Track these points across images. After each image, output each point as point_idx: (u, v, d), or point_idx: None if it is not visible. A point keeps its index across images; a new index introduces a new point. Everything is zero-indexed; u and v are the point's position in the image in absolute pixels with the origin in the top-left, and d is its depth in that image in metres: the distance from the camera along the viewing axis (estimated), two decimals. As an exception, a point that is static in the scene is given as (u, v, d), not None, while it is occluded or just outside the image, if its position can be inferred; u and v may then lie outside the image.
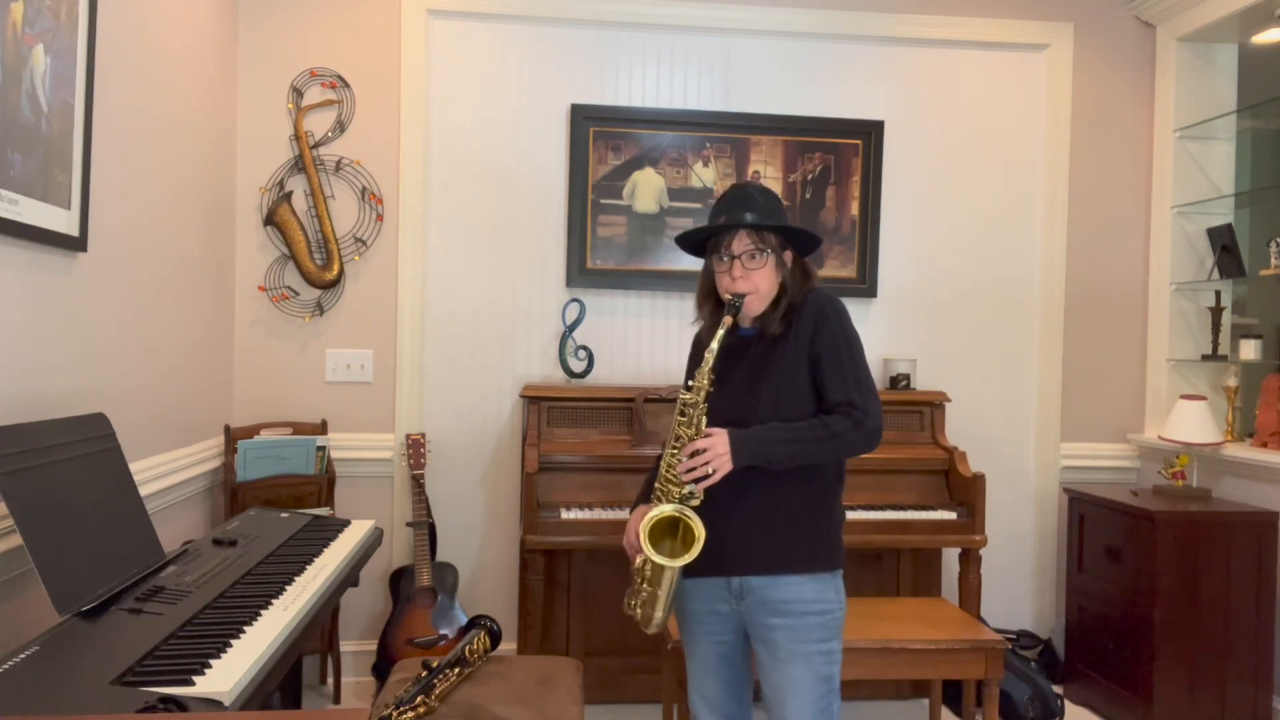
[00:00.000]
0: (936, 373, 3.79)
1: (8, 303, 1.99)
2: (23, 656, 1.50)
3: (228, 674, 1.49)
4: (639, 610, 2.08)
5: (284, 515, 2.69)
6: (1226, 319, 3.74)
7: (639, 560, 2.04)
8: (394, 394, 3.62)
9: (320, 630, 3.38)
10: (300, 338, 3.58)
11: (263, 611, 1.81)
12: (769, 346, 2.05)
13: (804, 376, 2.01)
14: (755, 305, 2.04)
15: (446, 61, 3.63)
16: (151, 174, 2.73)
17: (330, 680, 3.51)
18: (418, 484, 3.40)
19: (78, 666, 1.49)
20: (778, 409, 1.99)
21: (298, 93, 3.55)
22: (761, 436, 1.95)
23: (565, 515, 3.12)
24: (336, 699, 3.45)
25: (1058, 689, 3.54)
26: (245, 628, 1.71)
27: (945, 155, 3.84)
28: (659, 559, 1.92)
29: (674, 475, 1.96)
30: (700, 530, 1.90)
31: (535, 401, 3.42)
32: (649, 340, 3.73)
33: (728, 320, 1.99)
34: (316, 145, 3.55)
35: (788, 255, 2.08)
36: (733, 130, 3.71)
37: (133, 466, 2.22)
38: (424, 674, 2.15)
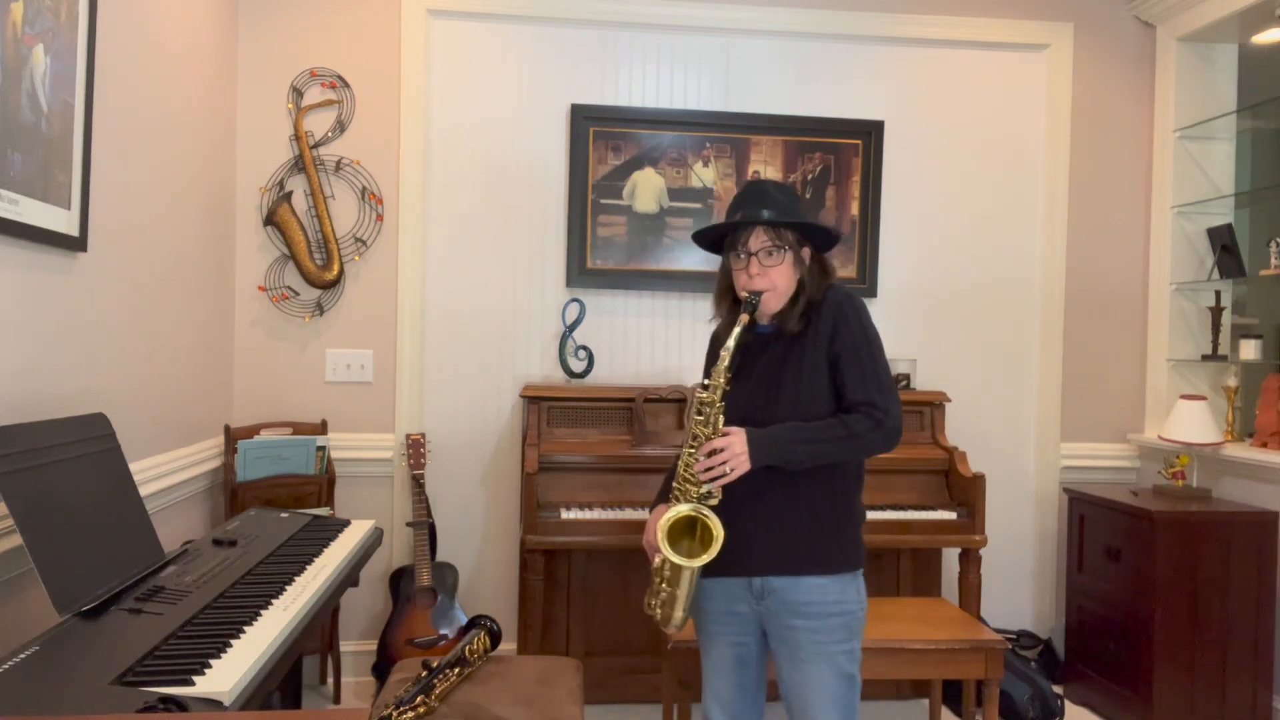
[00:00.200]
0: (936, 373, 3.79)
1: (8, 303, 1.99)
2: (23, 656, 1.50)
3: (228, 674, 1.49)
4: (658, 610, 2.06)
5: (284, 515, 2.69)
6: (1226, 319, 3.74)
7: (658, 560, 2.02)
8: (394, 394, 3.62)
9: (320, 630, 3.38)
10: (300, 338, 3.58)
11: (263, 611, 1.81)
12: (787, 344, 2.03)
13: (823, 375, 1.99)
14: (773, 303, 2.02)
15: (446, 61, 3.64)
16: (151, 174, 2.73)
17: (330, 680, 3.51)
18: (418, 484, 3.40)
19: (78, 666, 1.49)
20: (796, 408, 1.98)
21: (298, 93, 3.55)
22: (780, 436, 1.93)
23: (565, 515, 3.12)
24: (336, 699, 3.45)
25: (1058, 689, 3.54)
26: (245, 628, 1.71)
27: (945, 155, 3.84)
28: (677, 559, 1.92)
29: (692, 475, 1.95)
30: (719, 530, 1.89)
31: (535, 401, 3.43)
32: (649, 340, 3.73)
33: (744, 318, 1.97)
34: (316, 145, 3.56)
35: (805, 252, 2.06)
36: (733, 130, 3.71)
37: (133, 466, 2.22)
38: (424, 674, 2.15)
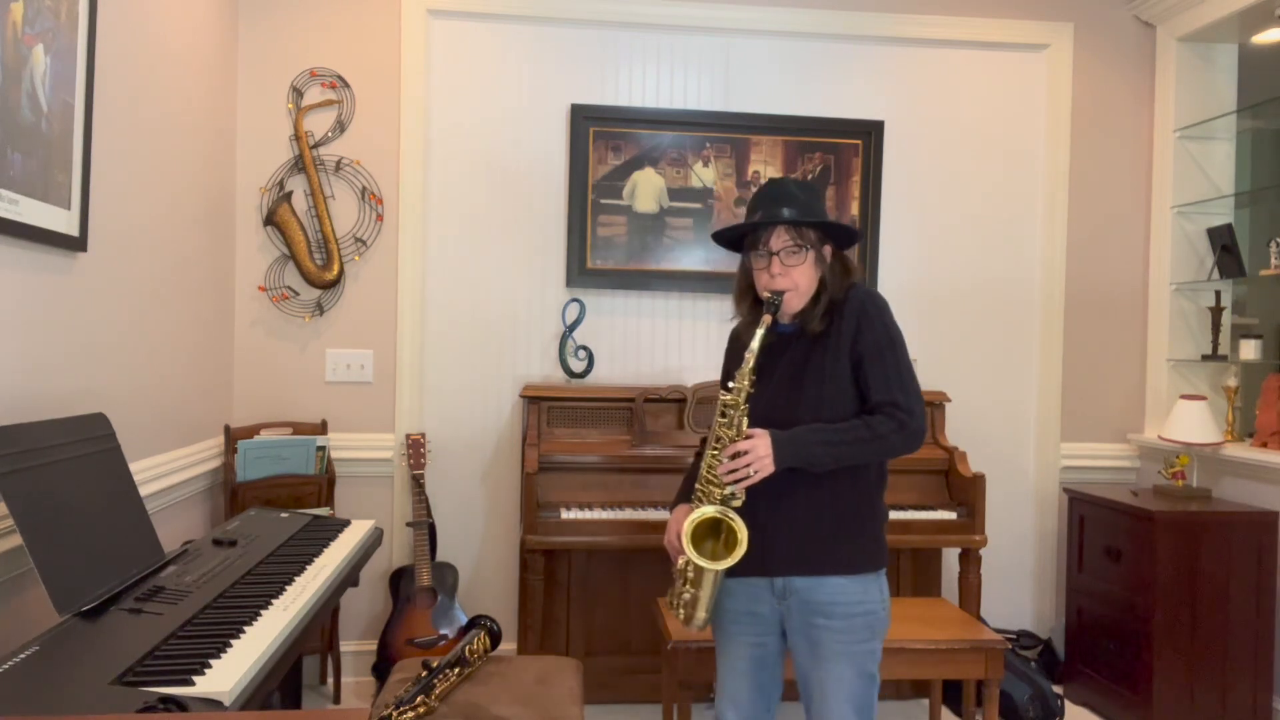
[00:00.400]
0: (936, 373, 3.79)
1: (8, 303, 1.99)
2: (23, 656, 1.50)
3: (228, 674, 1.49)
4: (681, 610, 2.06)
5: (284, 515, 2.69)
6: (1226, 319, 3.74)
7: (681, 562, 2.01)
8: (394, 394, 3.62)
9: (320, 630, 3.38)
10: (300, 338, 3.58)
11: (263, 611, 1.81)
12: (810, 344, 2.02)
13: (846, 375, 1.98)
14: (795, 302, 2.01)
15: (446, 61, 3.64)
16: (151, 174, 2.73)
17: (330, 680, 3.51)
18: (418, 484, 3.40)
19: (78, 666, 1.49)
20: (819, 408, 1.97)
21: (298, 93, 3.55)
22: (804, 438, 1.92)
23: (565, 515, 3.12)
24: (336, 699, 3.45)
25: (1058, 689, 3.54)
26: (245, 628, 1.71)
27: (945, 155, 3.84)
28: (702, 561, 1.91)
29: (715, 476, 1.94)
30: (743, 533, 1.89)
31: (535, 401, 3.42)
32: (649, 340, 3.73)
33: (767, 319, 1.96)
34: (316, 145, 3.56)
35: (827, 250, 2.05)
36: (733, 130, 3.71)
37: (133, 466, 2.22)
38: (424, 674, 2.15)
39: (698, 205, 3.71)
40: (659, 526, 3.11)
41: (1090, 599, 3.59)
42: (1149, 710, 3.24)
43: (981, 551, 3.33)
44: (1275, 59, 3.79)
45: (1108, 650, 3.47)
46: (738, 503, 1.93)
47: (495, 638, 2.41)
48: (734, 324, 2.19)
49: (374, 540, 2.62)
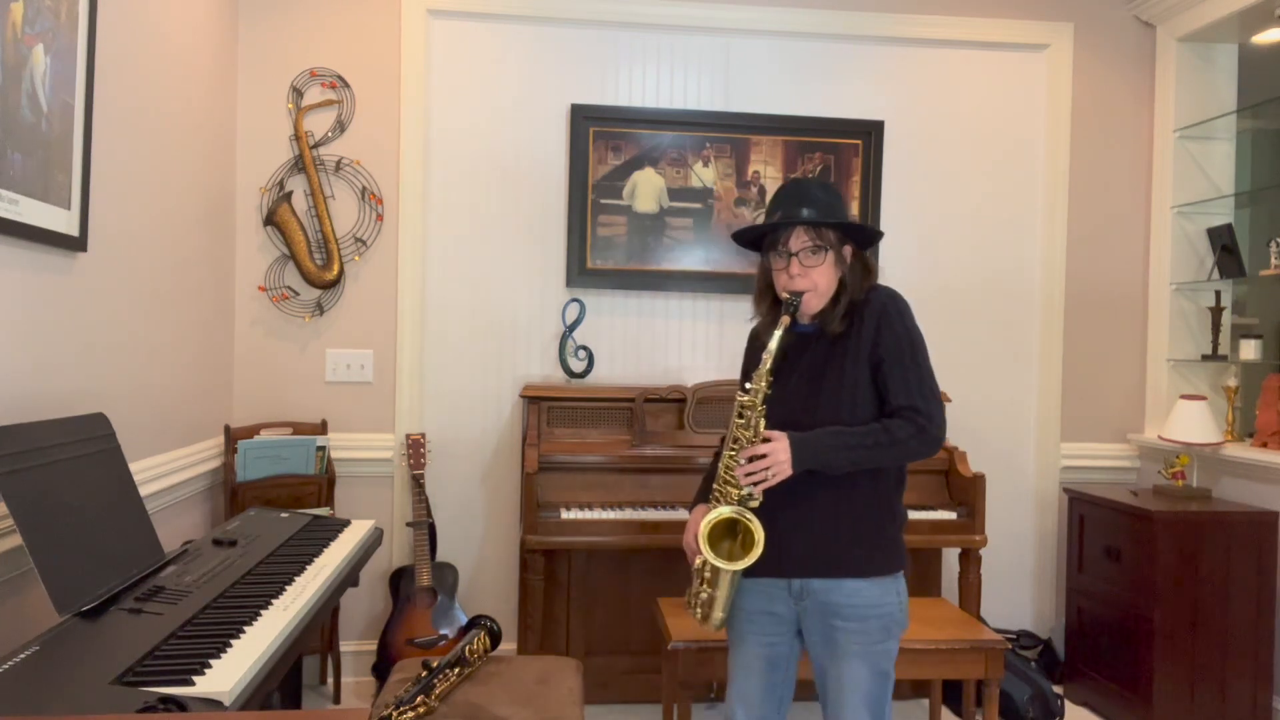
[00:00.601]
0: (936, 373, 3.76)
1: (8, 303, 1.99)
2: (23, 656, 1.50)
3: (228, 674, 1.49)
4: (698, 610, 2.06)
5: (284, 515, 2.69)
6: (1226, 319, 3.74)
7: (698, 562, 2.01)
8: (394, 394, 3.62)
9: (320, 630, 3.38)
10: (300, 338, 3.58)
11: (263, 611, 1.81)
12: (829, 345, 2.01)
13: (865, 378, 1.98)
14: (814, 303, 2.01)
15: (446, 61, 3.64)
16: (151, 174, 2.73)
17: (330, 680, 3.51)
18: (418, 484, 3.40)
19: (78, 666, 1.49)
20: (838, 411, 1.96)
21: (298, 93, 3.55)
22: (823, 443, 1.92)
23: (565, 515, 3.12)
24: (336, 699, 3.45)
25: (1058, 689, 3.54)
26: (245, 628, 1.71)
27: (945, 155, 3.84)
28: (718, 562, 1.92)
29: (732, 477, 1.94)
30: (760, 534, 1.89)
31: (535, 401, 3.42)
32: (649, 340, 3.73)
33: (785, 320, 1.95)
34: (316, 145, 3.56)
35: (847, 250, 2.04)
36: (733, 130, 3.71)
37: (133, 466, 2.22)
38: (424, 674, 2.15)
39: (698, 205, 3.71)
40: (659, 526, 3.12)
41: (1090, 599, 3.59)
42: (1149, 710, 3.24)
43: (981, 551, 3.33)
44: (1275, 59, 3.79)
45: (1108, 650, 3.47)
46: (755, 503, 1.92)
47: (495, 638, 2.41)
48: (753, 324, 2.18)
49: (374, 540, 2.62)
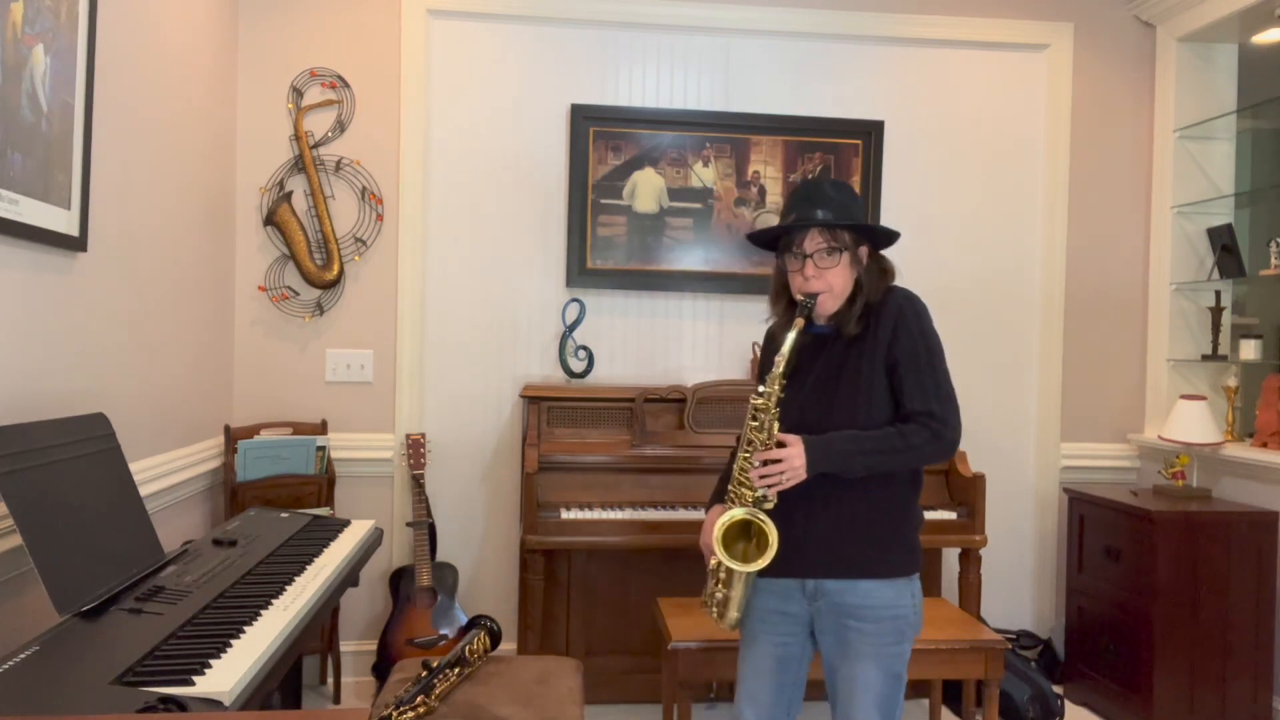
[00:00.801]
0: (936, 373, 3.78)
1: (8, 303, 1.99)
2: (23, 656, 1.50)
3: (228, 674, 1.49)
4: (714, 609, 2.07)
5: (284, 515, 2.69)
6: (1226, 319, 3.74)
7: (714, 562, 2.02)
8: (394, 394, 3.62)
9: (320, 630, 3.38)
10: (300, 338, 3.58)
11: (263, 611, 1.81)
12: (845, 347, 2.00)
13: (881, 380, 1.97)
14: (829, 304, 2.00)
15: (446, 61, 3.64)
16: (151, 174, 2.73)
17: (330, 680, 3.51)
18: (418, 484, 3.40)
19: (78, 666, 1.49)
20: (853, 413, 1.96)
21: (298, 93, 3.55)
22: (838, 448, 1.92)
23: (565, 515, 3.12)
24: (336, 699, 3.45)
25: (1058, 689, 3.54)
26: (245, 628, 1.71)
27: (945, 155, 3.84)
28: (732, 563, 1.92)
29: (746, 479, 1.94)
30: (773, 536, 1.89)
31: (535, 401, 3.42)
32: (649, 340, 3.73)
33: (799, 322, 1.95)
34: (316, 145, 3.56)
35: (863, 251, 2.03)
36: (733, 130, 3.71)
37: (133, 466, 2.22)
38: (424, 674, 2.15)
39: (698, 205, 3.71)
40: (659, 526, 3.12)
41: (1090, 599, 3.59)
42: (1149, 710, 3.24)
43: (981, 551, 3.33)
44: (1275, 59, 3.79)
45: (1108, 650, 3.47)
46: (770, 505, 1.92)
47: (495, 638, 2.41)
48: (769, 324, 2.19)
49: (374, 540, 2.62)
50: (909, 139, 3.81)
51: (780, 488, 1.91)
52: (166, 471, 2.80)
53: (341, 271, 3.56)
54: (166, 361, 2.88)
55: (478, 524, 3.69)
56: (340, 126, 3.57)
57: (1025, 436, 3.90)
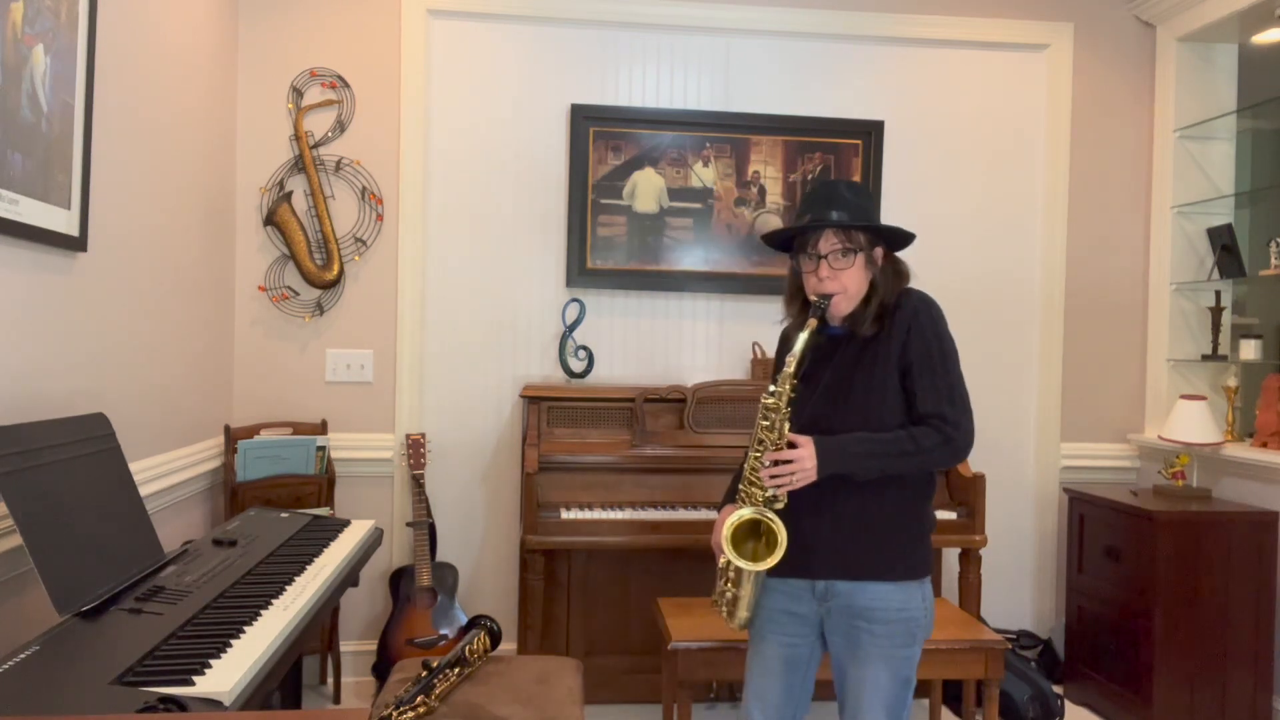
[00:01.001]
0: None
1: (8, 303, 1.99)
2: (23, 656, 1.50)
3: (228, 674, 1.49)
4: (724, 609, 2.07)
5: (284, 515, 2.69)
6: (1226, 319, 3.74)
7: (723, 561, 2.02)
8: (394, 394, 3.62)
9: (320, 630, 3.38)
10: (300, 338, 3.58)
11: (263, 611, 1.81)
12: (859, 348, 2.00)
13: (894, 382, 1.97)
14: (843, 305, 2.00)
15: (446, 61, 3.64)
16: (151, 174, 2.73)
17: (330, 680, 3.51)
18: (418, 484, 3.40)
19: (78, 666, 1.49)
20: (865, 414, 1.96)
21: (298, 93, 3.55)
22: (849, 449, 1.92)
23: (565, 515, 3.12)
24: (336, 699, 3.45)
25: (1058, 689, 3.54)
26: (245, 628, 1.71)
27: (945, 155, 3.84)
28: (741, 563, 1.92)
29: (757, 479, 1.94)
30: (782, 535, 1.89)
31: (535, 401, 3.42)
32: (649, 340, 3.73)
33: (812, 322, 1.95)
34: (316, 145, 3.56)
35: (878, 252, 2.03)
36: (733, 130, 3.71)
37: (133, 466, 2.22)
38: (424, 674, 2.15)
39: (698, 205, 3.71)
40: (659, 526, 3.12)
41: (1090, 599, 3.59)
42: (1149, 710, 3.24)
43: (981, 551, 3.32)
44: (1275, 59, 3.79)
45: (1108, 650, 3.47)
46: (779, 505, 1.92)
47: (495, 638, 2.41)
48: (784, 325, 2.18)
49: (374, 540, 2.62)
50: (909, 139, 3.81)
51: (790, 488, 1.91)
52: (166, 471, 2.80)
53: (341, 271, 3.55)
54: (166, 361, 2.88)
55: (478, 524, 3.69)
56: (340, 126, 3.57)
57: (1025, 436, 3.90)
